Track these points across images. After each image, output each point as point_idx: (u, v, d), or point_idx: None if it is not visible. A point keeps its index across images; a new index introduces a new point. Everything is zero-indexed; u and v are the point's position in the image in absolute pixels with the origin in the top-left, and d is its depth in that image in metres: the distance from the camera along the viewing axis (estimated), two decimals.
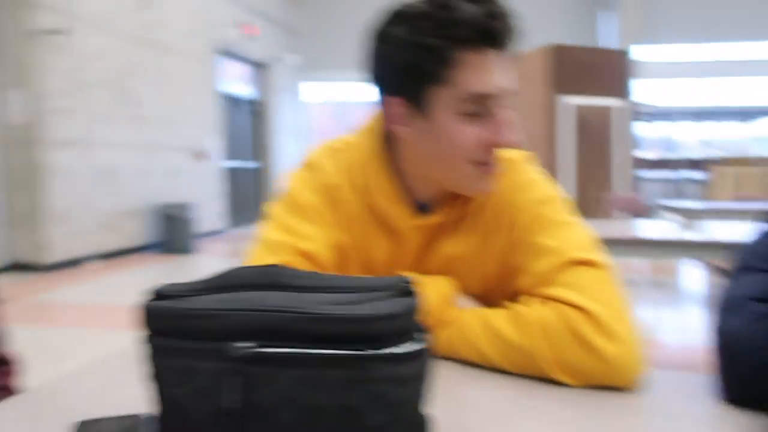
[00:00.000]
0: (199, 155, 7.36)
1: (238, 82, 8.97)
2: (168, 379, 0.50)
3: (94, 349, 3.02)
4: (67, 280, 4.81)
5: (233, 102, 8.80)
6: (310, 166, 0.88)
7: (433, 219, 0.84)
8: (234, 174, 8.85)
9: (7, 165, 5.03)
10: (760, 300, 0.64)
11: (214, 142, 7.77)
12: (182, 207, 6.35)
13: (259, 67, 9.55)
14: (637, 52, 6.58)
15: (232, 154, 8.77)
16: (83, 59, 5.40)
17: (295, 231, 0.81)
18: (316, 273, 0.55)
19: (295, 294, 0.51)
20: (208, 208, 7.57)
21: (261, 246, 0.82)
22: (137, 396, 0.58)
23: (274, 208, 0.86)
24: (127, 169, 6.03)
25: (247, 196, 9.29)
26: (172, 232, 6.27)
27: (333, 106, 12.42)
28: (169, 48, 6.74)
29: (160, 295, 0.53)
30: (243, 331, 0.47)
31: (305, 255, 0.80)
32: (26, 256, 5.05)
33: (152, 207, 6.36)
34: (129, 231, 6.09)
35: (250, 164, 9.42)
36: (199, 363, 0.48)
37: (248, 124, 9.40)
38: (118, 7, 5.85)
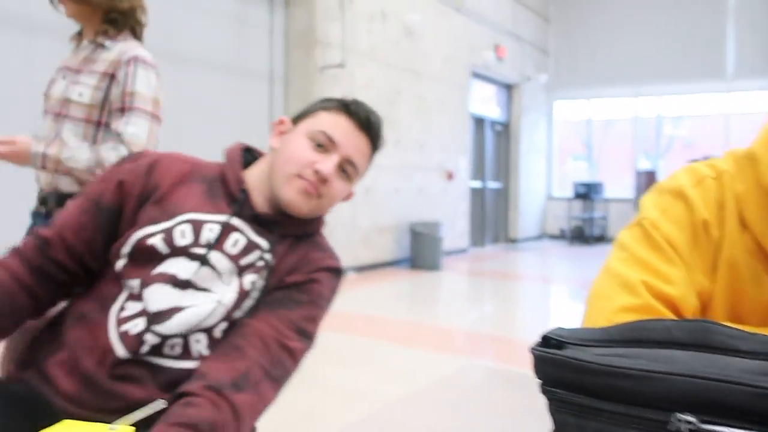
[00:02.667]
0: (450, 175, 7.62)
1: (485, 103, 9.11)
2: None
3: (357, 354, 3.25)
4: None
5: (480, 123, 8.96)
6: (671, 193, 0.75)
7: None
8: (478, 194, 8.97)
9: None
10: None
11: (462, 162, 7.98)
12: (432, 225, 6.60)
13: (507, 87, 9.59)
14: None
15: (477, 174, 8.92)
16: (355, 88, 5.99)
17: (654, 270, 0.71)
18: (754, 334, 0.45)
19: (731, 359, 0.42)
20: (453, 226, 7.77)
21: (612, 281, 0.72)
22: None
23: (625, 236, 0.75)
24: (382, 188, 6.49)
25: (489, 216, 9.35)
26: (420, 249, 6.55)
27: (581, 125, 11.89)
28: (427, 74, 7.12)
29: (550, 339, 0.49)
30: (683, 400, 0.40)
31: (668, 302, 0.68)
32: None
33: (403, 225, 6.74)
34: (381, 246, 6.52)
35: (494, 184, 9.46)
36: (617, 429, 0.42)
37: (493, 145, 9.47)
38: (385, 40, 6.38)
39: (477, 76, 8.48)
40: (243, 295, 0.92)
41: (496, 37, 8.67)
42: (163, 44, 4.57)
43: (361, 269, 6.18)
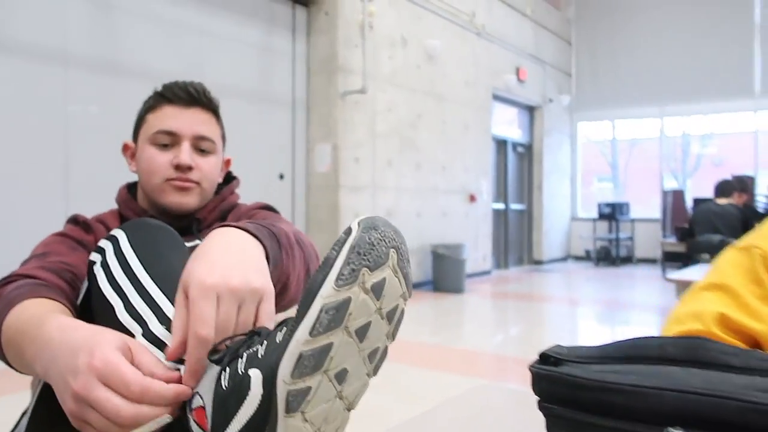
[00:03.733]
0: (473, 198, 7.63)
1: (507, 125, 9.13)
2: None
3: (378, 376, 3.24)
4: None
5: (502, 145, 8.97)
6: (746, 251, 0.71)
7: None
8: (500, 216, 8.94)
9: (309, 206, 5.85)
10: None
11: (485, 184, 7.97)
12: (454, 247, 6.59)
13: (529, 109, 9.60)
14: None
15: (499, 196, 8.90)
16: (376, 113, 6.07)
17: (743, 303, 0.67)
18: (748, 350, 0.46)
19: (724, 375, 0.43)
20: (476, 249, 7.74)
21: (689, 306, 0.69)
22: None
23: (728, 260, 0.72)
24: (404, 210, 6.52)
25: (513, 237, 9.29)
26: (443, 272, 6.53)
27: (605, 145, 11.83)
28: (449, 98, 7.18)
29: (548, 357, 0.50)
30: (675, 415, 0.41)
31: (747, 336, 0.65)
32: None
33: (425, 247, 6.74)
34: None
35: (517, 206, 9.42)
36: None
37: (516, 166, 9.45)
38: (406, 65, 6.47)
39: (498, 98, 8.51)
40: None
41: (517, 60, 8.71)
42: (198, 76, 4.71)
43: None
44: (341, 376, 0.52)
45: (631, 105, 10.15)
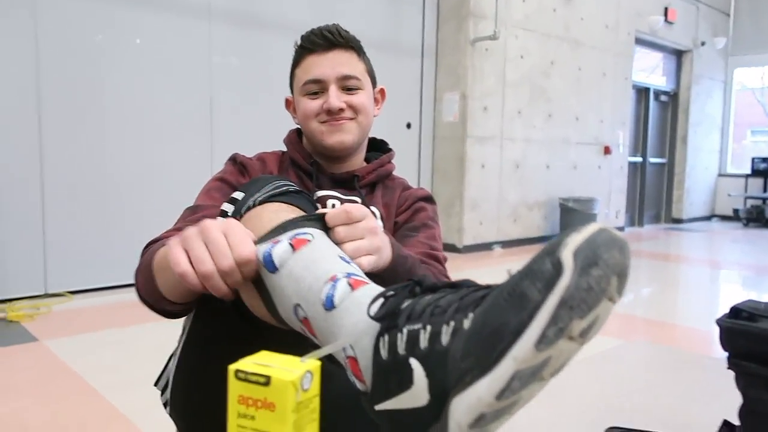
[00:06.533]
0: (608, 150, 7.19)
1: (650, 71, 8.40)
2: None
3: None
4: (475, 262, 5.31)
5: (643, 93, 8.30)
6: None
7: None
8: (637, 169, 8.37)
9: (435, 157, 5.83)
10: None
11: (621, 136, 7.47)
12: (584, 201, 6.30)
13: (676, 54, 8.76)
14: None
15: (637, 149, 8.31)
16: (507, 60, 5.84)
17: None
18: None
19: None
20: (608, 204, 7.34)
21: None
22: None
23: None
24: (532, 162, 6.30)
25: (650, 194, 8.68)
26: (572, 227, 6.28)
27: (762, 94, 10.57)
28: (586, 43, 6.73)
29: (740, 311, 0.46)
30: None
31: None
32: (446, 238, 5.77)
33: (554, 201, 6.50)
34: (530, 222, 6.36)
35: (657, 160, 8.75)
36: None
37: (657, 117, 8.73)
38: (540, 8, 6.11)
39: (642, 42, 7.83)
40: None
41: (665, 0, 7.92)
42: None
43: (509, 244, 6.09)
44: (518, 408, 0.47)
45: None
